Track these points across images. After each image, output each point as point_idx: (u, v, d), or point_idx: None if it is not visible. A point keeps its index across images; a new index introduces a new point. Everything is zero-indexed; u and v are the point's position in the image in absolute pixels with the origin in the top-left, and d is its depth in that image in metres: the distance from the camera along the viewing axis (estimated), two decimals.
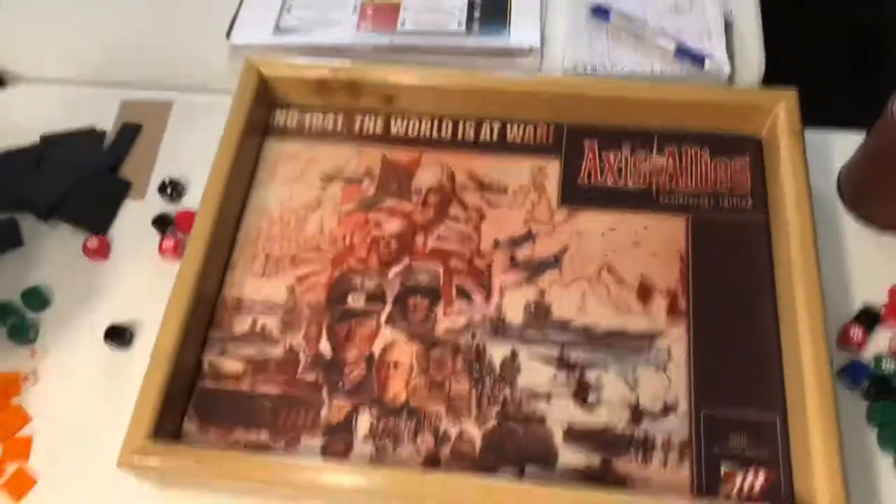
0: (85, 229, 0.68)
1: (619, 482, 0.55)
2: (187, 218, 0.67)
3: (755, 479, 0.54)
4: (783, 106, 0.64)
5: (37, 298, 0.65)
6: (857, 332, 0.60)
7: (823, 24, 1.18)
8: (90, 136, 0.73)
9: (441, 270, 0.63)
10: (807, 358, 0.55)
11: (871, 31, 1.18)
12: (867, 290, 0.64)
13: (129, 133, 0.73)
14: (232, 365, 0.60)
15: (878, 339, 0.62)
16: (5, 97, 0.78)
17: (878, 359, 0.60)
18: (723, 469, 0.55)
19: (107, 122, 0.74)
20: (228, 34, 0.78)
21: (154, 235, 0.68)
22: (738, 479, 0.54)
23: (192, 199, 0.70)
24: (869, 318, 0.62)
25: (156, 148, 0.73)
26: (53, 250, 0.68)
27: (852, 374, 0.59)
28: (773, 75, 0.75)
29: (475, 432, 0.57)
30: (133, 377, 0.59)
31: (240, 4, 0.80)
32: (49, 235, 0.69)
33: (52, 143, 0.72)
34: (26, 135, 0.73)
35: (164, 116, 0.75)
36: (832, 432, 0.52)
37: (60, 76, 0.79)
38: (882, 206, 0.65)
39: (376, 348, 0.60)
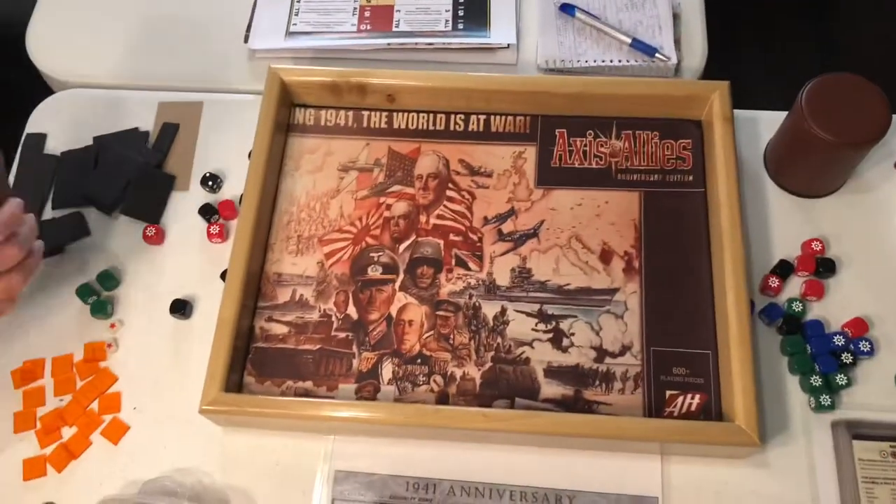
0: (142, 220, 0.81)
1: (588, 407, 0.71)
2: (228, 206, 0.81)
3: (692, 400, 0.71)
4: (717, 95, 0.78)
5: (110, 280, 0.78)
6: (774, 281, 0.76)
7: (759, 13, 1.31)
8: (136, 136, 0.85)
9: (442, 244, 0.78)
10: (731, 305, 0.70)
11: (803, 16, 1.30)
12: (785, 246, 0.79)
13: (169, 132, 0.86)
14: (278, 328, 0.75)
15: (792, 285, 0.77)
16: (53, 103, 0.89)
17: (790, 301, 0.76)
18: (667, 393, 0.71)
19: (146, 123, 0.87)
20: (246, 39, 0.90)
21: (200, 222, 0.82)
22: (679, 401, 0.71)
23: (229, 189, 0.83)
24: (784, 269, 0.77)
25: (193, 144, 0.85)
26: (117, 239, 0.81)
27: (769, 314, 0.75)
28: (716, 60, 0.89)
29: (475, 373, 0.72)
30: (194, 342, 0.75)
31: (253, 11, 0.91)
32: (112, 226, 0.82)
33: (104, 144, 0.84)
34: (78, 136, 0.85)
35: (197, 115, 0.87)
36: (747, 363, 0.68)
37: (99, 81, 0.91)
38: (794, 176, 0.80)
39: (393, 310, 0.75)
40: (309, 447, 0.72)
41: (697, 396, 0.71)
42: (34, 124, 0.87)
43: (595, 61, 0.87)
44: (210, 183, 0.82)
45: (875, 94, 0.74)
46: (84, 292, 0.78)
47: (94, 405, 0.74)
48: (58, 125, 0.87)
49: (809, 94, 0.74)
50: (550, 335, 0.73)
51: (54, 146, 0.86)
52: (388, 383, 0.72)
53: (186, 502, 0.67)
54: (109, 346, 0.76)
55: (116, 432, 0.73)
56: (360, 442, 0.72)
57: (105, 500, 0.67)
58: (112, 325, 0.77)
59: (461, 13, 0.90)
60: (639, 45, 0.86)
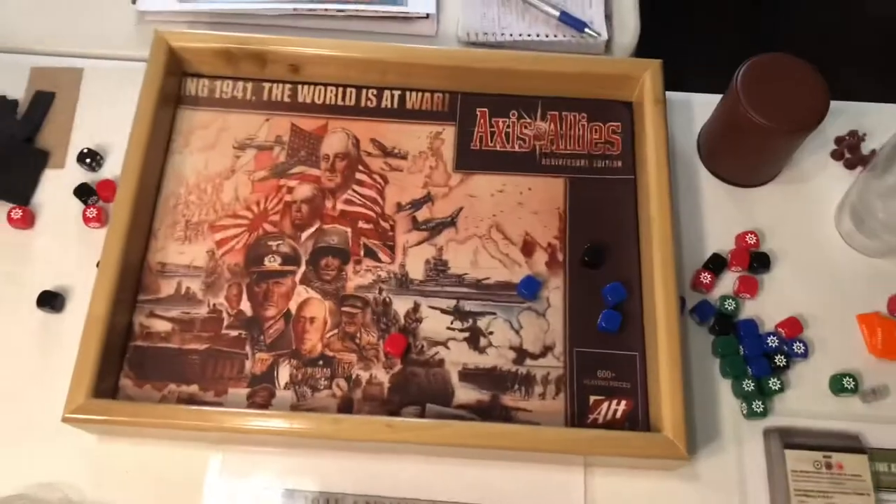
0: (7, 200, 0.71)
1: (505, 414, 0.64)
2: (108, 186, 0.72)
3: (618, 407, 0.65)
4: (649, 75, 0.72)
5: None
6: (706, 277, 0.71)
7: None
8: (2, 105, 0.75)
9: (350, 232, 0.70)
10: (660, 303, 0.65)
11: None
12: (718, 239, 0.74)
13: (43, 101, 0.76)
14: (161, 325, 0.66)
15: (725, 281, 0.73)
16: None
17: (722, 299, 0.71)
18: (591, 399, 0.65)
19: (17, 91, 0.76)
20: (134, 0, 0.80)
21: (76, 204, 0.72)
22: (604, 407, 0.65)
23: (111, 168, 0.74)
24: (717, 264, 0.72)
25: (71, 116, 0.76)
26: None
27: (701, 312, 0.70)
28: (650, 42, 0.83)
29: (383, 377, 0.65)
30: (67, 339, 0.65)
31: None
32: None
33: None
34: None
35: (76, 84, 0.77)
36: (676, 367, 0.62)
37: None
38: (728, 164, 0.75)
39: (293, 305, 0.67)
40: (196, 458, 0.64)
41: (623, 402, 0.65)
42: None
43: (521, 35, 0.80)
44: (88, 160, 0.73)
45: (813, 77, 0.69)
46: None
47: None
48: None
49: (745, 76, 0.69)
50: (467, 334, 0.67)
51: None
52: (284, 388, 0.65)
53: None
54: None
55: None
56: (253, 452, 0.65)
57: None
58: None
59: None
60: (567, 19, 0.80)
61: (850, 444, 0.66)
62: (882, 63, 1.15)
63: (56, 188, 0.73)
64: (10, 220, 0.70)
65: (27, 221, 0.71)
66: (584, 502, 0.64)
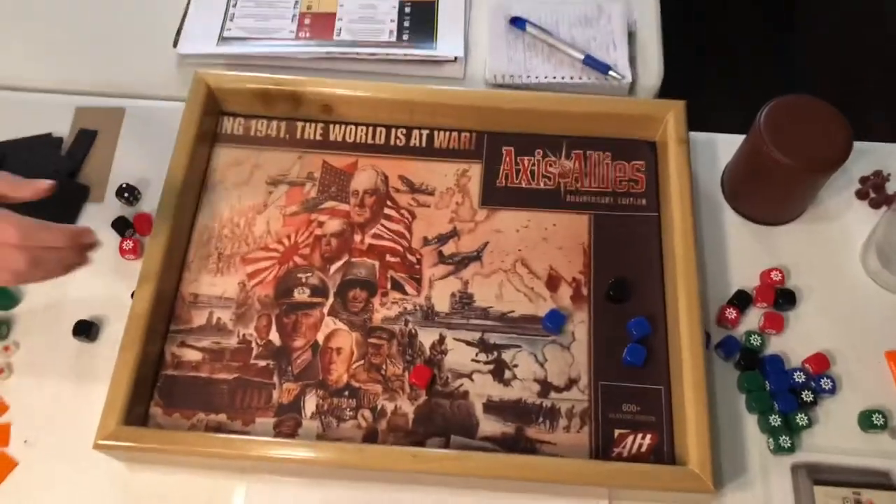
0: None
1: (530, 447, 0.64)
2: (145, 220, 0.74)
3: (643, 441, 0.65)
4: (672, 115, 0.74)
5: (5, 297, 0.71)
6: (731, 312, 0.71)
7: (719, 36, 1.29)
8: (48, 142, 0.78)
9: (377, 265, 0.71)
10: (685, 338, 0.65)
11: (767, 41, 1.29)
12: (743, 275, 0.74)
13: (85, 139, 0.79)
14: (192, 354, 0.68)
15: (750, 317, 0.73)
16: None
17: (748, 334, 0.71)
18: (616, 432, 0.65)
19: (62, 129, 0.80)
20: (175, 44, 0.84)
21: (113, 237, 0.74)
22: (629, 441, 0.65)
23: (149, 202, 0.76)
24: (742, 300, 0.72)
25: (111, 153, 0.79)
26: None
27: (726, 348, 0.70)
28: (673, 82, 0.85)
29: (408, 408, 0.66)
30: (100, 367, 0.67)
31: (185, 14, 0.85)
32: None
33: (11, 150, 0.77)
34: None
35: (118, 122, 0.80)
36: (702, 401, 0.62)
37: (11, 83, 0.84)
38: (753, 202, 0.76)
39: (320, 336, 0.68)
40: (223, 486, 0.65)
41: (648, 436, 0.65)
42: None
43: (546, 78, 0.82)
44: (126, 195, 0.75)
45: (836, 117, 0.70)
46: None
47: None
48: None
49: (768, 115, 0.70)
50: (491, 366, 0.67)
51: None
52: (310, 418, 0.65)
53: None
54: (1, 371, 0.68)
55: (2, 469, 0.65)
56: (279, 482, 0.65)
57: None
58: (6, 349, 0.69)
59: (406, 24, 0.85)
60: (591, 62, 0.82)
61: (881, 480, 0.65)
62: None
63: (95, 221, 0.75)
64: None
65: None
66: None
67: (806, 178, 0.70)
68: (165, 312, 0.68)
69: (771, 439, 0.67)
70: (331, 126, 0.77)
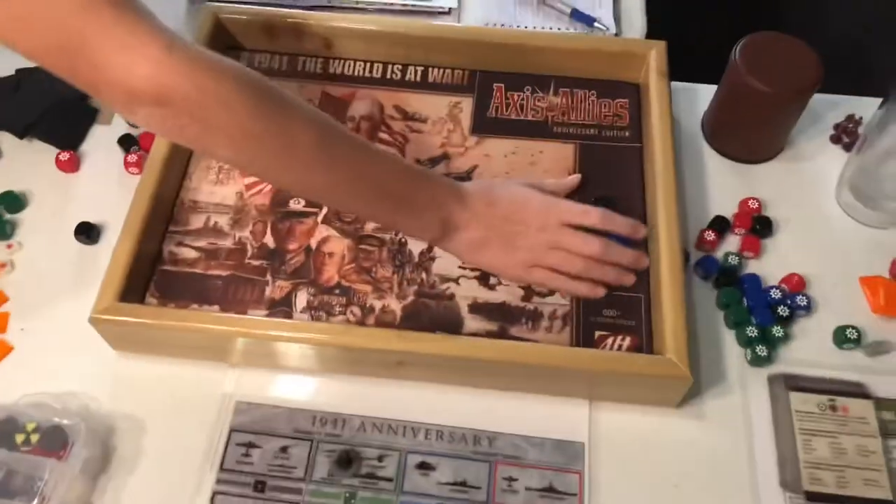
0: (56, 146, 0.77)
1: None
2: (150, 138, 0.77)
3: (622, 342, 0.67)
4: (654, 53, 0.78)
5: (12, 201, 0.74)
6: (710, 235, 0.74)
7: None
8: None
9: None
10: (664, 249, 0.67)
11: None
12: (722, 206, 0.77)
13: None
14: (188, 253, 0.70)
15: (729, 242, 0.75)
16: None
17: (726, 255, 0.73)
18: (597, 334, 0.67)
19: None
20: None
21: (119, 154, 0.78)
22: (609, 342, 0.67)
23: None
24: (721, 225, 0.75)
25: None
26: (30, 164, 0.77)
27: (704, 266, 0.72)
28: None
29: (396, 306, 0.68)
30: (98, 269, 0.69)
31: None
32: (26, 151, 0.78)
33: (28, 74, 0.81)
34: (2, 67, 0.82)
35: None
36: (679, 303, 0.64)
37: None
38: (732, 139, 0.79)
39: (314, 242, 0.71)
40: (209, 377, 0.66)
41: (628, 338, 0.67)
42: None
43: (534, 28, 0.87)
44: None
45: (804, 49, 0.74)
46: None
47: None
48: None
49: (743, 49, 0.75)
50: (477, 272, 0.70)
51: None
52: (301, 312, 0.67)
53: (65, 420, 0.60)
54: (3, 266, 0.71)
55: None
56: (265, 373, 0.67)
57: None
58: (9, 246, 0.72)
59: None
60: (578, 15, 0.87)
61: (855, 389, 0.67)
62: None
63: (102, 140, 0.79)
64: (57, 162, 0.76)
65: (73, 165, 0.76)
66: (588, 434, 0.65)
67: (782, 104, 0.74)
68: (165, 214, 0.71)
69: (748, 351, 0.68)
70: (330, 61, 0.81)
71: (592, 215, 0.69)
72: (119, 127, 0.79)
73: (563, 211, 0.69)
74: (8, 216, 0.74)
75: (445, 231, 0.66)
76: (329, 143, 0.61)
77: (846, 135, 0.81)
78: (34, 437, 0.59)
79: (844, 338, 0.69)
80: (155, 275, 0.69)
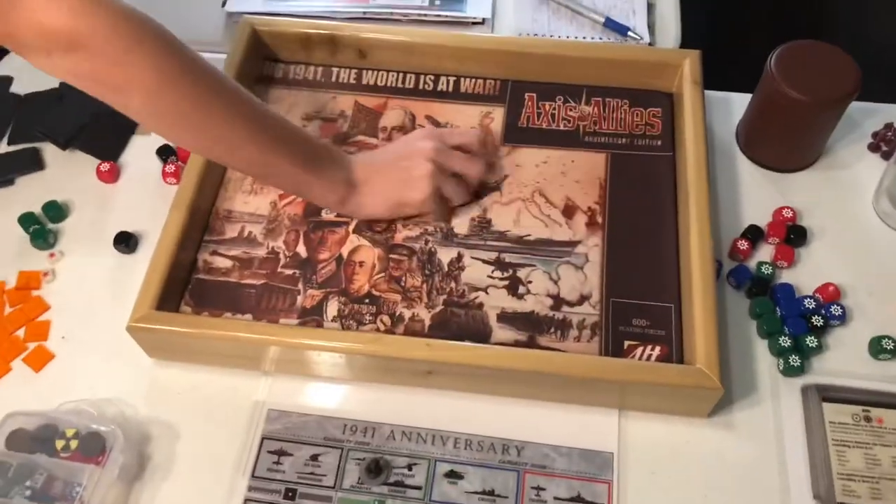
0: (97, 156, 0.79)
1: None
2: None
3: (652, 352, 0.66)
4: (688, 62, 0.77)
5: (56, 210, 0.76)
6: (743, 244, 0.73)
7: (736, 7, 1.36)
8: None
9: None
10: (695, 259, 0.67)
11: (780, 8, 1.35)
12: (755, 215, 0.76)
13: None
14: (222, 262, 0.71)
15: (762, 252, 0.74)
16: None
17: (759, 264, 0.72)
18: (626, 343, 0.67)
19: None
20: (224, 3, 0.90)
21: (158, 164, 0.80)
22: (638, 352, 0.66)
23: None
24: (754, 234, 0.74)
25: None
26: (72, 174, 0.79)
27: (737, 275, 0.72)
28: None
29: (425, 315, 0.68)
30: (136, 277, 0.70)
31: None
32: (68, 162, 0.80)
33: (70, 87, 0.83)
34: (46, 80, 0.84)
35: None
36: (710, 312, 0.63)
37: None
38: (767, 148, 0.79)
39: (345, 251, 0.72)
40: (241, 384, 0.68)
41: (658, 348, 0.66)
42: (2, 68, 0.87)
43: (568, 37, 0.87)
44: None
45: (842, 56, 0.73)
46: (26, 221, 0.75)
47: (21, 332, 0.70)
48: (26, 69, 0.85)
49: (778, 58, 0.74)
50: (506, 282, 0.70)
51: (20, 89, 0.85)
52: (331, 320, 0.68)
53: (103, 427, 0.62)
54: (46, 275, 0.73)
55: (39, 360, 0.69)
56: (296, 381, 0.68)
57: (11, 414, 0.62)
58: (52, 255, 0.74)
59: None
60: (612, 24, 0.86)
61: (891, 400, 0.66)
62: None
63: (141, 151, 0.81)
64: (98, 172, 0.78)
65: (113, 175, 0.78)
66: (618, 444, 0.65)
67: (818, 113, 0.73)
68: (200, 224, 0.73)
69: (781, 360, 0.68)
70: (364, 71, 0.83)
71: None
72: (157, 138, 0.81)
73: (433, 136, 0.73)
74: (51, 226, 0.76)
75: (349, 190, 0.70)
76: (242, 95, 0.64)
77: (884, 143, 0.80)
78: (73, 444, 0.61)
79: (880, 348, 0.68)
80: (190, 283, 0.70)
